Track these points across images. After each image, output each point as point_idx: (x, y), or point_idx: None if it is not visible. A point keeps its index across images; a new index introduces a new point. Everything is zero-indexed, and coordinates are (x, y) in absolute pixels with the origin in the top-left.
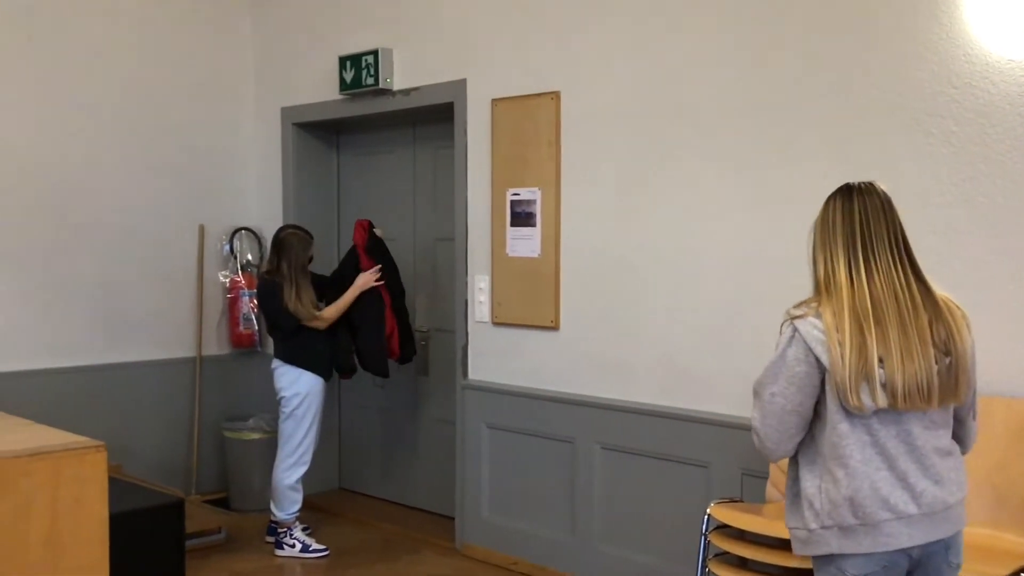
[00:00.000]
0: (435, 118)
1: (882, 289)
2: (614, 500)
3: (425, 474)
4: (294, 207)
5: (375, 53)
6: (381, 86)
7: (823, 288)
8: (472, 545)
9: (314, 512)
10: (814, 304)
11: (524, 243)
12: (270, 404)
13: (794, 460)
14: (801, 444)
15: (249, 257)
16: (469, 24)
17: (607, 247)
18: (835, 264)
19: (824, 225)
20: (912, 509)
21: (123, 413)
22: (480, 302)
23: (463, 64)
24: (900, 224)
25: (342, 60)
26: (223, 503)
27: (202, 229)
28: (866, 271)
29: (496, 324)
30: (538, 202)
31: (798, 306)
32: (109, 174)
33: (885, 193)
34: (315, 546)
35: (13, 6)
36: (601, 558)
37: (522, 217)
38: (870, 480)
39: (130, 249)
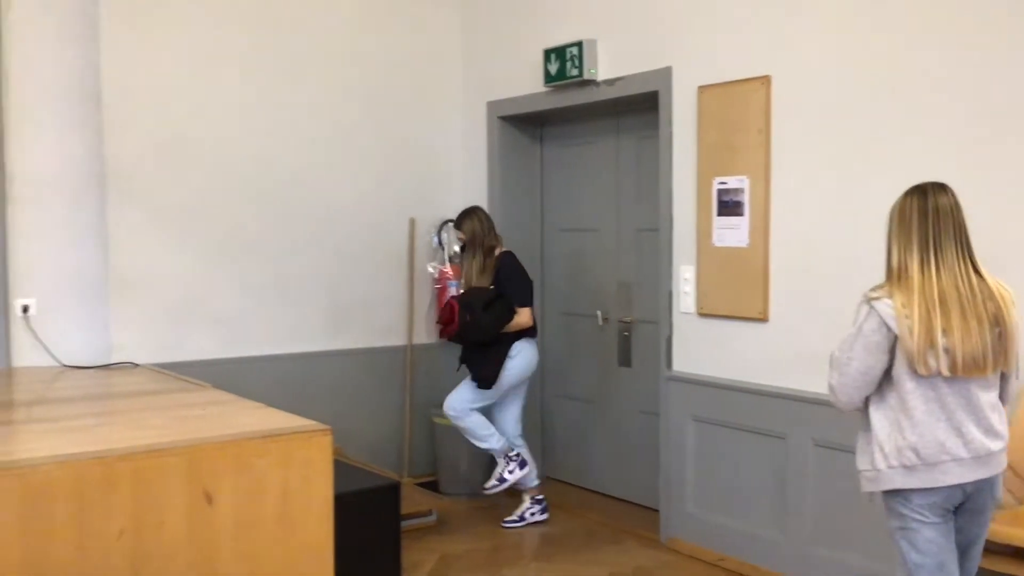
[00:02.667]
0: (639, 107)
1: (947, 281)
2: (828, 499)
3: (628, 465)
4: (499, 199)
5: (579, 44)
6: (585, 77)
7: (895, 276)
8: (677, 539)
9: (518, 499)
10: (886, 289)
11: (731, 233)
12: None
13: (867, 415)
14: (875, 401)
15: (456, 248)
16: (675, 11)
17: (819, 236)
18: (909, 257)
19: (901, 219)
20: (964, 453)
21: (342, 397)
22: (685, 293)
23: (668, 52)
24: (964, 224)
25: (547, 52)
26: (432, 486)
27: (412, 222)
28: (935, 265)
29: (702, 315)
30: (746, 191)
31: (874, 290)
32: (331, 172)
33: (954, 195)
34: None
35: (238, 14)
36: (813, 559)
37: (729, 206)
38: (931, 429)
39: (349, 242)
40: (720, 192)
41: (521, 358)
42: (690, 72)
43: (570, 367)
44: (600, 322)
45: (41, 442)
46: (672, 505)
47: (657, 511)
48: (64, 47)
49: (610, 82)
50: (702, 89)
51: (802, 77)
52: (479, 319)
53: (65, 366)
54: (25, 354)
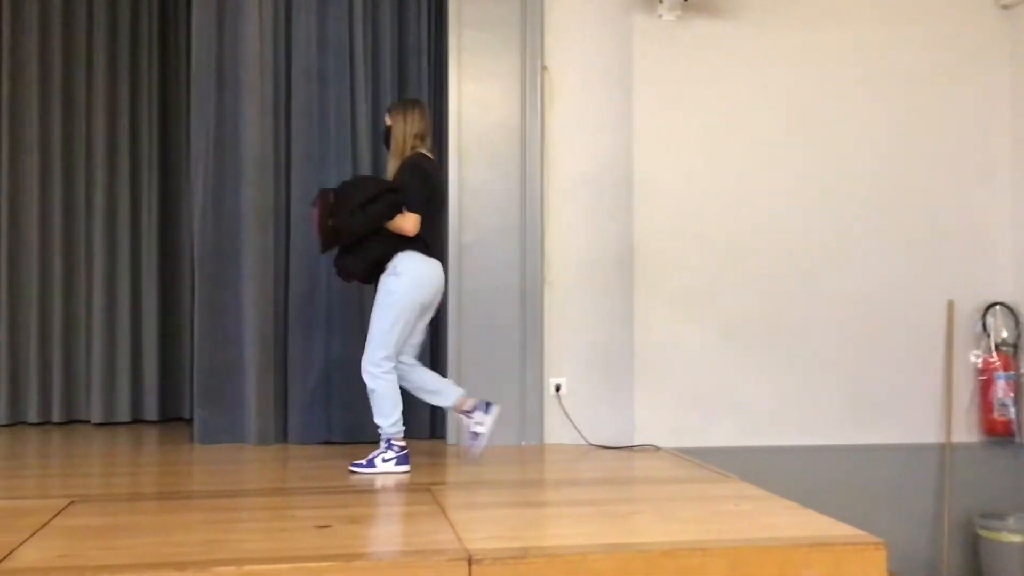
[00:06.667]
0: None
1: None
2: None
3: None
4: None
5: None
6: None
7: None
8: None
9: None
10: None
11: None
12: None
13: None
14: None
15: (1004, 335)
16: None
17: None
18: None
19: None
20: None
21: (862, 498)
22: None
23: None
24: None
25: None
26: None
27: (950, 304)
28: None
29: None
30: None
31: None
32: (857, 249)
33: None
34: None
35: (764, 99)
36: None
37: None
38: None
39: (874, 325)
40: None
41: (411, 276)
42: None
43: None
44: None
45: (583, 528)
46: None
47: None
48: (600, 135)
49: None
50: None
51: None
52: (346, 219)
53: (591, 445)
54: (556, 431)
